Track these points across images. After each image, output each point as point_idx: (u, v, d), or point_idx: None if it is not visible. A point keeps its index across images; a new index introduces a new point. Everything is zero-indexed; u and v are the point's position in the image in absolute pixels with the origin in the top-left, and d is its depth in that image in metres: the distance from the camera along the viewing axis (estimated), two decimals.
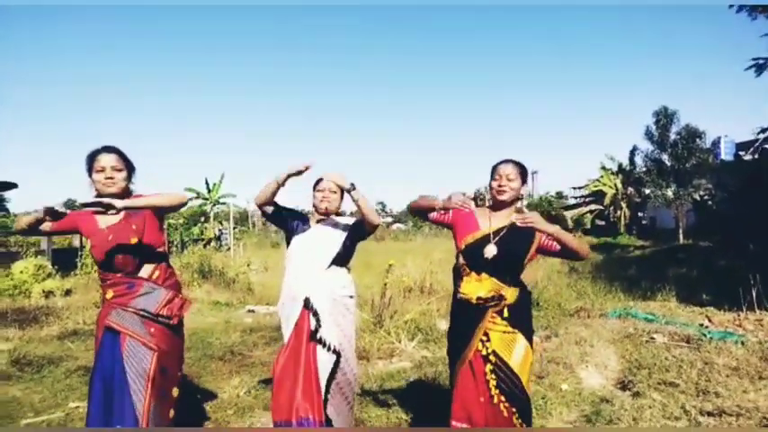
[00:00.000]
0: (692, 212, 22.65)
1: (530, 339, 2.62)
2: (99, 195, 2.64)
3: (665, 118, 21.78)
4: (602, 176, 30.75)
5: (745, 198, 16.83)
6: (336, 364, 2.96)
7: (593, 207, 33.33)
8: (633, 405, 3.64)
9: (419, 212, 2.95)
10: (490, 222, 2.66)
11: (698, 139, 21.15)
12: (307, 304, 2.98)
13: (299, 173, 2.91)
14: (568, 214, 34.29)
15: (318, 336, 2.95)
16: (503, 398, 2.52)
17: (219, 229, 30.50)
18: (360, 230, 3.11)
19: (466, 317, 2.64)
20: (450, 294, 8.75)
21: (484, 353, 2.56)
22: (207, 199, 32.19)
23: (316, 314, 2.97)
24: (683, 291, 10.85)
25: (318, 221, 3.19)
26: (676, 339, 5.92)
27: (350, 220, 3.21)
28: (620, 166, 29.44)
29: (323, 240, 3.11)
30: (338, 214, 3.26)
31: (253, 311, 9.08)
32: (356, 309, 3.17)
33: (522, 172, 2.69)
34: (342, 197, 3.21)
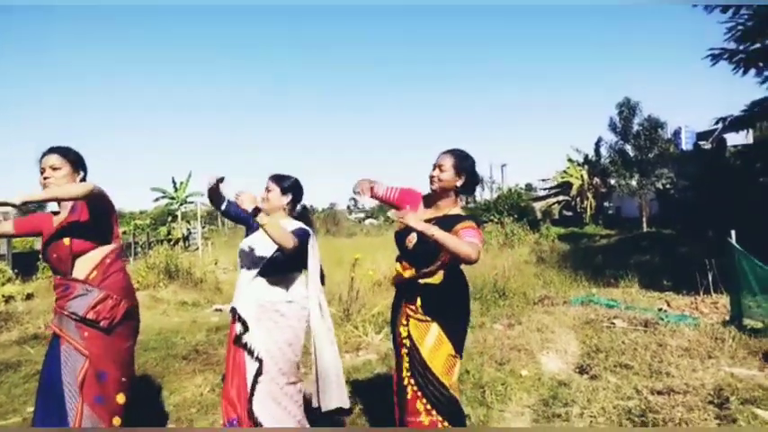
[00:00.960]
0: (655, 201, 23.25)
1: (445, 329, 2.60)
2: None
3: (627, 109, 22.27)
4: (568, 168, 31.30)
5: (704, 186, 17.37)
6: (259, 370, 2.93)
7: (560, 198, 33.90)
8: (588, 387, 3.75)
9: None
10: (423, 213, 2.69)
11: (660, 130, 21.71)
12: (234, 311, 2.99)
13: (214, 187, 2.96)
14: (537, 206, 34.82)
15: (243, 341, 2.94)
16: (412, 381, 2.61)
17: (188, 229, 30.09)
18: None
19: (395, 300, 2.81)
20: None
21: (403, 335, 2.67)
22: (174, 198, 31.70)
23: (241, 320, 2.95)
24: (644, 277, 11.15)
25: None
26: (635, 324, 6.10)
27: (294, 225, 3.05)
28: (586, 157, 30.01)
29: (260, 244, 3.00)
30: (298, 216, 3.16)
31: (220, 310, 9.00)
32: (305, 312, 3.04)
33: (458, 164, 2.61)
34: (282, 196, 3.09)
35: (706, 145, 20.91)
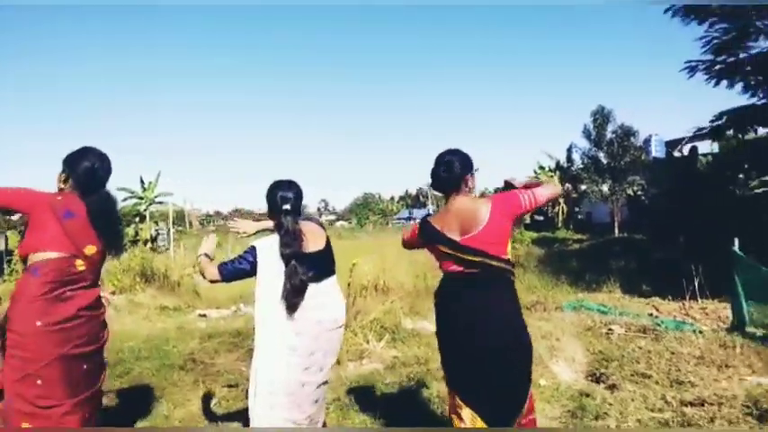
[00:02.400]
0: (626, 207, 23.77)
1: None
2: None
3: (601, 117, 22.73)
4: (539, 174, 31.75)
5: (676, 193, 17.80)
6: None
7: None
8: (615, 398, 3.69)
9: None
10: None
11: (632, 138, 22.21)
12: None
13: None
14: None
15: None
16: None
17: (156, 230, 29.26)
18: None
19: None
20: (408, 292, 8.70)
21: None
22: (142, 198, 30.80)
23: None
24: (624, 282, 11.32)
25: None
26: (633, 330, 6.12)
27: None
28: (557, 163, 30.50)
29: None
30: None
31: (204, 316, 8.73)
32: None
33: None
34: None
35: (676, 153, 21.50)
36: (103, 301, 2.75)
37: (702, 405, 3.36)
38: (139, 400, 4.18)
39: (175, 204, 27.73)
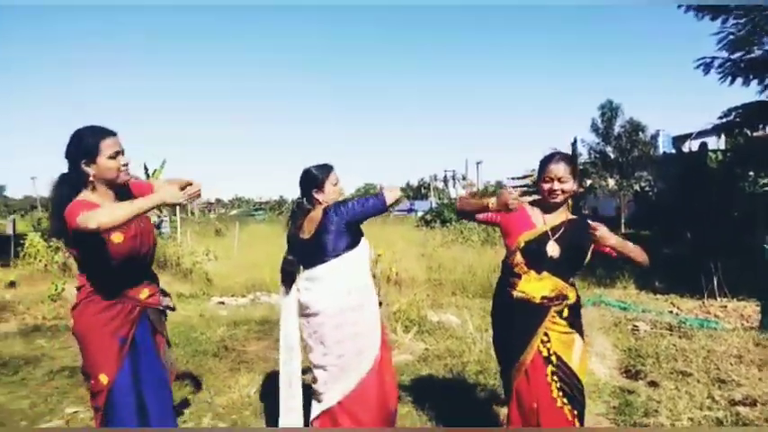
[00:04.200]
0: (633, 203, 23.75)
1: (583, 339, 2.62)
2: (108, 184, 2.33)
3: (610, 111, 22.65)
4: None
5: (685, 189, 17.76)
6: None
7: (535, 197, 34.27)
8: (662, 395, 3.70)
9: (466, 214, 2.84)
10: (544, 220, 2.59)
11: (640, 133, 22.15)
12: None
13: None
14: None
15: None
16: (565, 401, 2.47)
17: (159, 217, 29.23)
18: None
19: (525, 316, 2.53)
20: (420, 283, 8.66)
21: (545, 354, 2.49)
22: None
23: None
24: (638, 278, 11.32)
25: None
26: (659, 327, 6.13)
27: None
28: None
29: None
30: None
31: (223, 303, 8.74)
32: None
33: (574, 169, 2.58)
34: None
35: (685, 148, 21.43)
36: None
37: (755, 405, 3.38)
38: (180, 386, 4.17)
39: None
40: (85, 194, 2.27)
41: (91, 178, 2.27)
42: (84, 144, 2.25)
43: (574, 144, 28.80)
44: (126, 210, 2.07)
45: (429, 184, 63.98)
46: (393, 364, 5.00)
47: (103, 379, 2.29)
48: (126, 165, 2.33)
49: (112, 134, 2.32)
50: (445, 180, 65.27)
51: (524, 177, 43.36)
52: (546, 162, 2.58)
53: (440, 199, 48.76)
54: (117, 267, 2.31)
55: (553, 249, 2.49)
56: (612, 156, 22.82)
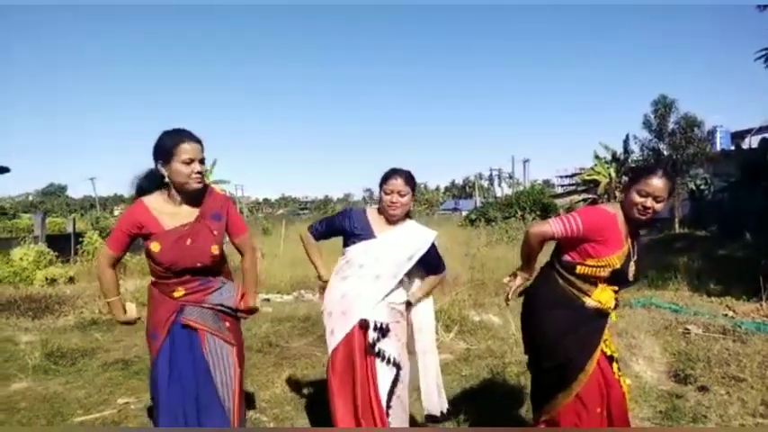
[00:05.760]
0: (687, 202, 22.84)
1: None
2: (178, 188, 2.42)
3: (663, 107, 21.83)
4: (595, 165, 30.84)
5: (743, 187, 16.98)
6: (396, 377, 2.82)
7: (585, 196, 33.46)
8: (712, 401, 3.57)
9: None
10: (627, 236, 2.43)
11: (696, 129, 21.27)
12: (364, 323, 2.80)
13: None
14: (560, 202, 34.44)
15: (377, 349, 2.79)
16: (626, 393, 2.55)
17: None
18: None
19: (594, 322, 2.46)
20: (463, 283, 8.54)
21: (608, 353, 2.50)
22: None
23: (377, 328, 2.81)
24: (691, 280, 10.90)
25: (386, 228, 2.94)
26: (712, 331, 5.89)
27: (422, 236, 2.96)
28: (614, 154, 29.54)
29: (386, 249, 2.89)
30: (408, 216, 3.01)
31: (268, 300, 8.93)
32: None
33: (673, 189, 2.39)
34: (413, 197, 2.98)
35: (744, 145, 20.50)
36: None
37: None
38: None
39: (224, 191, 28.30)
40: (158, 195, 2.44)
41: (166, 180, 2.40)
42: (162, 145, 2.38)
43: (626, 141, 27.99)
44: (102, 285, 2.52)
45: (474, 183, 63.45)
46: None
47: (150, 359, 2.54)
48: (200, 173, 2.40)
49: (194, 140, 2.41)
50: (491, 179, 64.52)
51: (573, 176, 42.40)
52: (647, 173, 2.36)
53: (485, 198, 48.29)
54: (158, 270, 2.46)
55: (632, 270, 2.46)
56: (666, 153, 21.99)
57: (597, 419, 2.42)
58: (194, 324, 2.49)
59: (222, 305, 2.53)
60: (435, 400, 3.05)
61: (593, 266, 2.39)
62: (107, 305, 2.60)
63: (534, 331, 2.59)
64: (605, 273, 2.39)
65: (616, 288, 2.48)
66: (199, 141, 2.43)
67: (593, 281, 2.43)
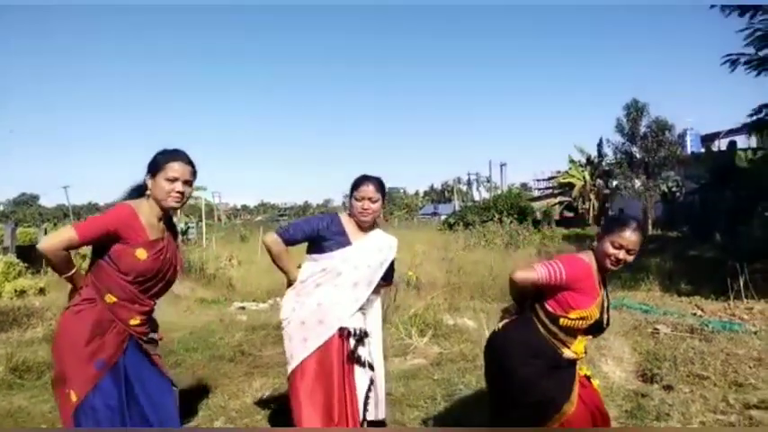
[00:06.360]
0: (660, 204, 23.30)
1: None
2: (156, 202, 2.43)
3: (635, 110, 22.29)
4: (570, 168, 31.32)
5: (713, 189, 17.35)
6: (372, 377, 2.85)
7: (561, 199, 33.94)
8: (674, 399, 3.64)
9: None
10: (600, 285, 2.46)
11: (667, 132, 21.74)
12: (344, 331, 2.81)
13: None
14: (536, 206, 34.85)
15: (357, 355, 2.81)
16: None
17: (186, 223, 29.75)
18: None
19: (569, 369, 2.48)
20: (439, 287, 8.57)
21: (586, 374, 2.60)
22: None
23: (356, 336, 2.82)
24: (663, 280, 11.10)
25: (359, 234, 2.96)
26: (680, 330, 6.00)
27: (388, 242, 3.04)
28: (588, 158, 30.07)
29: (364, 257, 2.91)
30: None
31: (243, 308, 8.86)
32: None
33: (643, 241, 2.43)
34: (383, 203, 3.01)
35: (714, 148, 20.96)
36: None
37: None
38: (195, 390, 4.25)
39: (199, 198, 28.04)
40: (140, 201, 2.44)
41: (148, 191, 2.43)
42: (155, 159, 2.45)
43: (600, 145, 28.48)
44: (56, 265, 2.34)
45: (453, 187, 63.82)
46: (406, 367, 5.05)
47: (73, 396, 2.29)
48: (181, 193, 2.43)
49: (185, 161, 2.46)
50: (469, 183, 65.00)
51: (550, 179, 42.92)
52: (620, 226, 2.39)
53: (463, 202, 48.57)
54: (128, 283, 2.36)
55: (606, 318, 2.50)
56: (638, 156, 22.44)
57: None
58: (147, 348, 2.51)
59: (153, 337, 2.58)
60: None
61: (575, 320, 2.39)
62: (68, 280, 2.40)
63: (509, 376, 2.48)
64: (586, 325, 2.41)
65: (590, 337, 2.53)
66: (191, 164, 2.48)
67: (574, 333, 2.44)
